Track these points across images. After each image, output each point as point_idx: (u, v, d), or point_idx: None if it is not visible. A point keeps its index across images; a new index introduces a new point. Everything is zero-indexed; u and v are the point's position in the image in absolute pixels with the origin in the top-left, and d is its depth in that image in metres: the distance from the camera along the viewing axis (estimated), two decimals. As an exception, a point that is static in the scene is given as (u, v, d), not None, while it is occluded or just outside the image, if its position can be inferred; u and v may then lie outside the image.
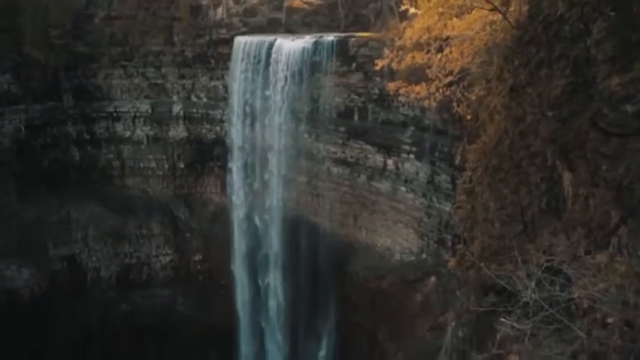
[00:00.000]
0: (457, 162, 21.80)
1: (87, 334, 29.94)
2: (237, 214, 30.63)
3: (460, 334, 14.75)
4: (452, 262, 11.00)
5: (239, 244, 30.51)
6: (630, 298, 6.24)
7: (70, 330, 29.34)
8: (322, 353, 28.12)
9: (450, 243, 23.35)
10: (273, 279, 28.92)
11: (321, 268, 27.22)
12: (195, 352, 30.72)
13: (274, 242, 28.77)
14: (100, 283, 32.18)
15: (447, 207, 23.70)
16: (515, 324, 5.68)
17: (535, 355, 7.15)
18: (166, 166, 34.46)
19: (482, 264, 7.31)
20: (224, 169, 32.52)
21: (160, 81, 34.02)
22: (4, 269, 28.53)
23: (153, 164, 34.62)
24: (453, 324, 15.79)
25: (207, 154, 33.88)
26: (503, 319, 5.91)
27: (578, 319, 7.18)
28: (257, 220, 29.87)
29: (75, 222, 31.95)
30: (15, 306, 27.58)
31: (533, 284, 5.78)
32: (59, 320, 29.08)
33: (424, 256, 25.52)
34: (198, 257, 33.60)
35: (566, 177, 10.07)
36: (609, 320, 7.41)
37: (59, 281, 30.68)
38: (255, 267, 29.88)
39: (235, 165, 30.75)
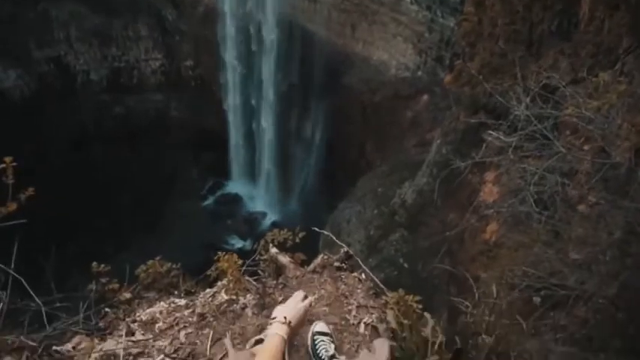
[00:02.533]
0: (470, -29, 19.74)
1: (83, 135, 30.94)
2: (229, 16, 28.79)
3: (444, 150, 15.46)
4: (448, 78, 10.82)
5: (230, 44, 29.34)
6: (618, 119, 6.34)
7: (66, 131, 30.19)
8: (312, 161, 29.84)
9: (447, 61, 22.73)
10: (265, 82, 28.72)
11: (316, 77, 26.94)
12: (190, 153, 32.40)
13: (267, 44, 27.66)
14: (90, 86, 31.94)
15: (451, 23, 22.37)
16: (501, 136, 5.83)
17: (512, 169, 7.60)
18: (148, -43, 30.88)
19: (480, 77, 7.15)
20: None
21: None
22: (-12, 69, 27.98)
23: (133, -46, 30.90)
24: (438, 141, 16.44)
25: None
26: (490, 132, 6.06)
27: (562, 137, 7.44)
28: (250, 23, 28.24)
29: (55, 20, 29.99)
30: (8, 107, 27.80)
31: (528, 99, 5.76)
32: (54, 122, 29.67)
33: (420, 73, 25.14)
34: (189, 63, 32.79)
35: (586, -1, 9.32)
36: (586, 147, 7.73)
37: (48, 83, 30.31)
38: (248, 69, 29.28)
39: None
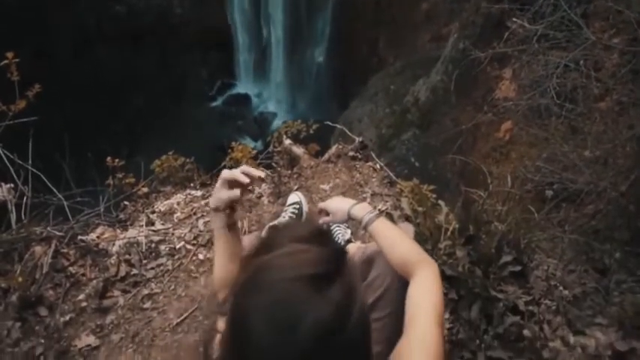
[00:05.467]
0: None
1: (87, 38, 29.81)
2: None
3: (461, 45, 14.71)
4: (471, -39, 9.90)
5: None
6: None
7: (68, 33, 29.09)
8: (321, 59, 28.83)
9: (470, -55, 20.73)
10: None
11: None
12: (197, 53, 31.39)
13: None
14: (87, -18, 30.13)
15: None
16: (526, 24, 5.44)
17: (534, 62, 7.22)
18: None
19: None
20: None
21: None
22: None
23: None
24: (455, 35, 15.59)
25: None
26: (515, 19, 5.64)
27: (591, 28, 6.94)
28: None
29: None
30: (4, 9, 26.54)
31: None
32: (54, 23, 28.47)
33: (438, -41, 23.11)
34: (188, -48, 30.47)
35: None
36: (616, 40, 7.21)
37: (42, -23, 28.57)
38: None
39: None
